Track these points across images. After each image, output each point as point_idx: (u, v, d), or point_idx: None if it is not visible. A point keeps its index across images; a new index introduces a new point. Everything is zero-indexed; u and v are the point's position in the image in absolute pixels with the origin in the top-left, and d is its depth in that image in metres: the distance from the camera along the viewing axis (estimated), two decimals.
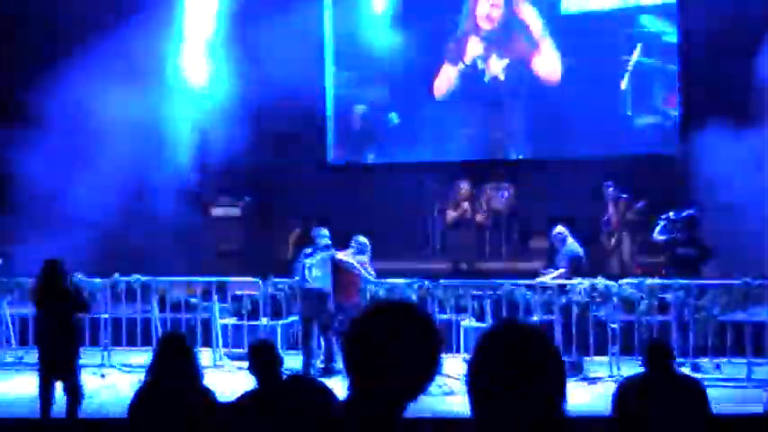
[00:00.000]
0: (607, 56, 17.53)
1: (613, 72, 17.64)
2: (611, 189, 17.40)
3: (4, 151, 17.36)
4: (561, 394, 2.76)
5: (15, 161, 17.36)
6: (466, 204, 16.68)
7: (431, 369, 2.89)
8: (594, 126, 18.01)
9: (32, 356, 14.44)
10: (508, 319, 11.10)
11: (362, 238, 14.25)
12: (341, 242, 14.20)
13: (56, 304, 11.14)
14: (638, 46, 17.20)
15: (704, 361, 13.25)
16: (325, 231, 14.08)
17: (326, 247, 13.90)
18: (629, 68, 17.34)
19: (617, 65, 17.59)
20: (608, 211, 17.46)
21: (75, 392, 10.90)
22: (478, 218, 17.89)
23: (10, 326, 15.18)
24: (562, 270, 14.20)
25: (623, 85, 17.67)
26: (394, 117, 20.45)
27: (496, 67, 19.41)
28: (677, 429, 6.95)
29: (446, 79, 19.80)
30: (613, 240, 17.41)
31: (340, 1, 20.64)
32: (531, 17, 18.74)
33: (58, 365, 10.97)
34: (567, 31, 17.94)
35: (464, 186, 16.71)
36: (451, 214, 16.98)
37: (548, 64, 18.18)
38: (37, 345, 11.45)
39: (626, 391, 7.18)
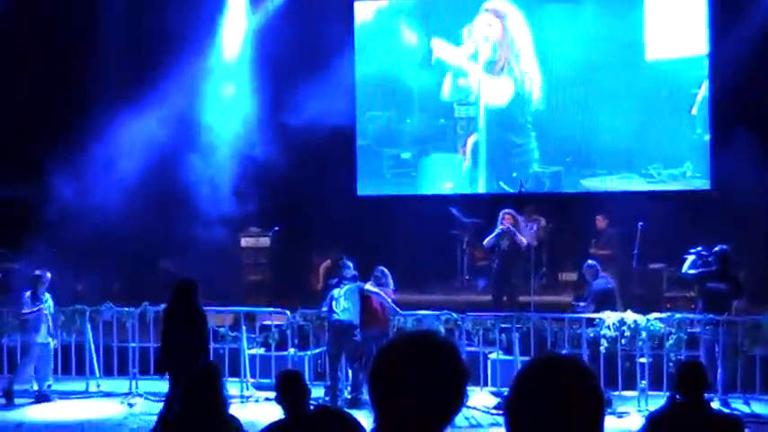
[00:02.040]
0: (680, 91, 19.46)
1: (685, 103, 19.45)
2: (640, 224, 17.29)
3: (42, 174, 17.47)
4: (599, 427, 2.74)
5: (52, 184, 17.50)
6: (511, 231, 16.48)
7: (457, 401, 2.86)
8: (669, 145, 19.54)
9: (68, 385, 14.55)
10: (548, 351, 11.06)
11: (382, 269, 14.29)
12: (369, 273, 14.25)
13: (185, 324, 11.58)
14: (705, 82, 19.16)
15: (733, 397, 13.13)
16: (350, 263, 14.14)
17: (353, 279, 13.91)
18: (699, 99, 19.17)
19: (687, 97, 19.39)
20: (636, 246, 17.35)
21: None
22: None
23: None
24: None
25: (694, 111, 19.28)
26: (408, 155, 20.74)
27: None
28: None
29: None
30: None
31: (370, 36, 20.75)
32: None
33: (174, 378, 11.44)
34: (649, 73, 19.48)
35: (508, 213, 16.52)
36: (490, 242, 16.75)
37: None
38: (167, 358, 11.78)
39: (656, 425, 6.88)
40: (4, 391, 14.08)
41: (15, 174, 18.10)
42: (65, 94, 18.79)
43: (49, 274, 14.37)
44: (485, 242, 16.91)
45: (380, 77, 20.69)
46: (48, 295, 14.42)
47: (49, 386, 14.35)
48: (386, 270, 14.31)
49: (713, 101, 18.90)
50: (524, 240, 16.46)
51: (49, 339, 14.42)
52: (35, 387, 14.19)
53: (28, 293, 14.21)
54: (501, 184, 20.05)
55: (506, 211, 16.63)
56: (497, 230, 16.42)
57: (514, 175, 19.68)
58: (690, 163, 19.29)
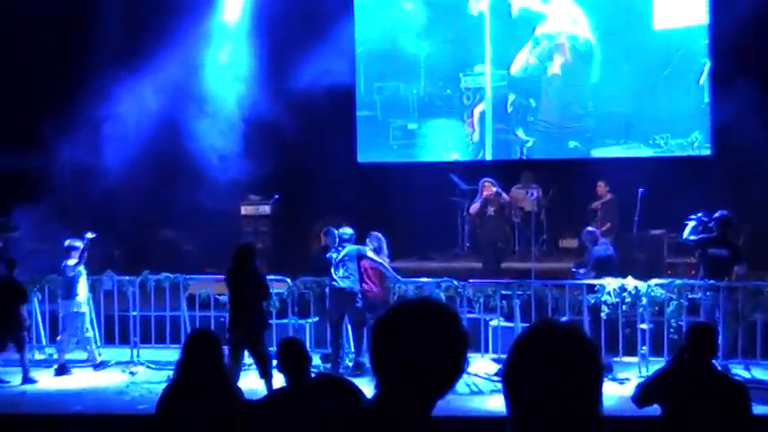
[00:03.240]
0: (688, 60, 19.37)
1: (693, 72, 19.39)
2: (641, 191, 17.25)
3: (42, 142, 17.40)
4: (597, 394, 2.74)
5: (52, 153, 17.47)
6: (488, 200, 16.67)
7: (457, 367, 2.88)
8: (678, 115, 19.38)
9: (69, 354, 14.49)
10: (546, 319, 11.06)
11: (377, 234, 14.26)
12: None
13: (245, 287, 12.11)
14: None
15: (734, 362, 13.13)
16: (335, 231, 14.16)
17: (351, 240, 13.88)
18: (707, 69, 19.13)
19: (696, 66, 19.31)
20: (637, 212, 17.34)
21: (263, 358, 11.77)
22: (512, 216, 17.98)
23: (40, 323, 15.14)
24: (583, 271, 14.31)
25: (702, 80, 19.20)
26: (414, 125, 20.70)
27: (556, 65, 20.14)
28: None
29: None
30: None
31: (370, 6, 20.68)
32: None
33: (247, 338, 11.93)
34: (657, 43, 19.47)
35: (488, 182, 16.71)
36: (475, 209, 16.99)
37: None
38: (230, 320, 12.29)
39: (660, 382, 6.87)
40: (58, 366, 14.06)
41: (15, 143, 18.03)
42: (64, 62, 18.70)
43: (79, 243, 14.32)
44: (470, 209, 17.19)
45: (385, 47, 20.58)
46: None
47: (51, 354, 14.36)
48: (380, 236, 14.28)
49: (713, 65, 18.86)
50: (507, 198, 16.84)
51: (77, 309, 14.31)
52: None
53: (65, 263, 14.15)
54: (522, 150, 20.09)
55: (486, 179, 16.80)
56: (480, 199, 16.70)
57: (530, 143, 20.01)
58: (699, 133, 19.20)
